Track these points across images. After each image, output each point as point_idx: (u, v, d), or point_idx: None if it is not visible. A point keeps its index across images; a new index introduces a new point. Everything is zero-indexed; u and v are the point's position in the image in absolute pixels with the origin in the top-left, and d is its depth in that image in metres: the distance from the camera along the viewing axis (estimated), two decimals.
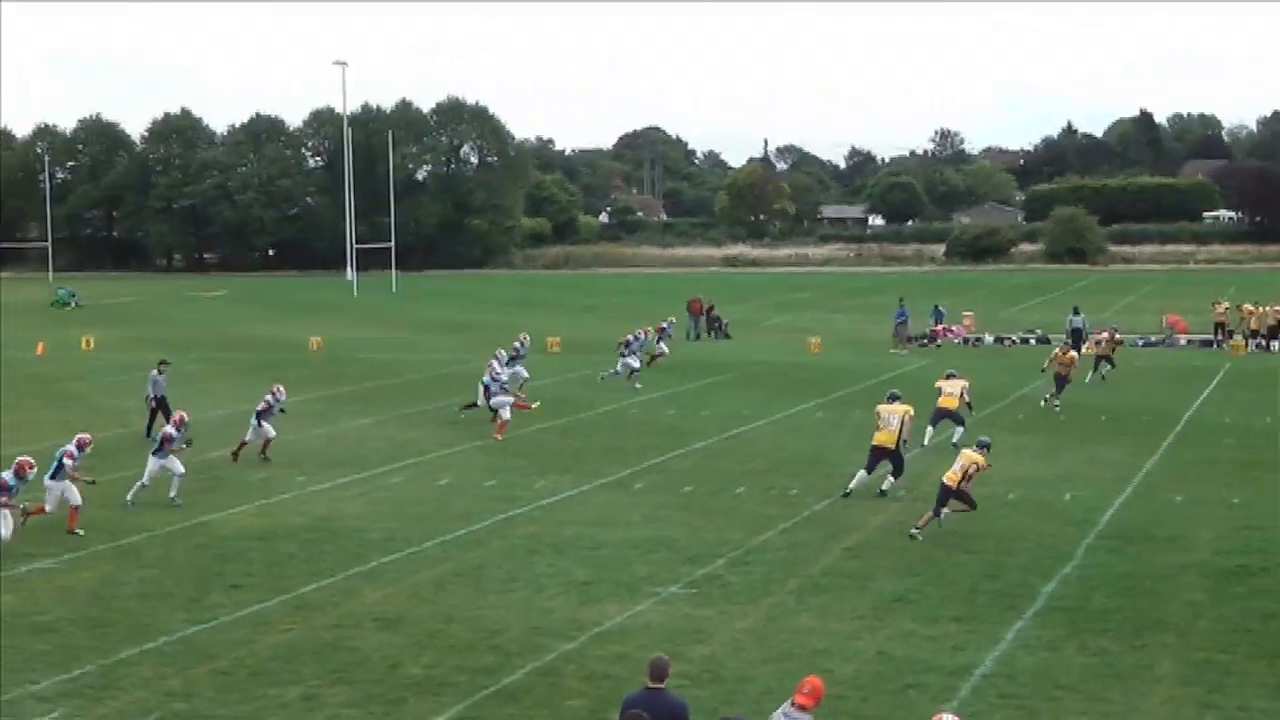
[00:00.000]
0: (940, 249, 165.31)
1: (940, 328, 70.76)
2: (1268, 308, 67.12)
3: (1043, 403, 45.77)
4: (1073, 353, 47.78)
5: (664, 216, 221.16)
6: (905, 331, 68.72)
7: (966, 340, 70.19)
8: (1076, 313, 64.86)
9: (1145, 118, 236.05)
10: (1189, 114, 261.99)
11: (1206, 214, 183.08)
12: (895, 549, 26.97)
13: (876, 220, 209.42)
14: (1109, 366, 52.28)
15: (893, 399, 33.03)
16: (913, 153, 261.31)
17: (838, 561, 26.08)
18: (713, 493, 32.62)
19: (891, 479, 31.78)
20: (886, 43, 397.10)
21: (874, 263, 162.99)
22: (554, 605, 23.35)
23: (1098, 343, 54.60)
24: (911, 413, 32.66)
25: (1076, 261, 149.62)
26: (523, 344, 50.68)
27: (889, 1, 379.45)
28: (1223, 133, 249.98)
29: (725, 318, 76.31)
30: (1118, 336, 56.73)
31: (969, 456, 27.99)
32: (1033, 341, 69.49)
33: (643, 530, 28.80)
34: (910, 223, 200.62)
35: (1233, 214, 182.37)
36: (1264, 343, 64.87)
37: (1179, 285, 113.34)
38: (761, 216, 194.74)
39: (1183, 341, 67.95)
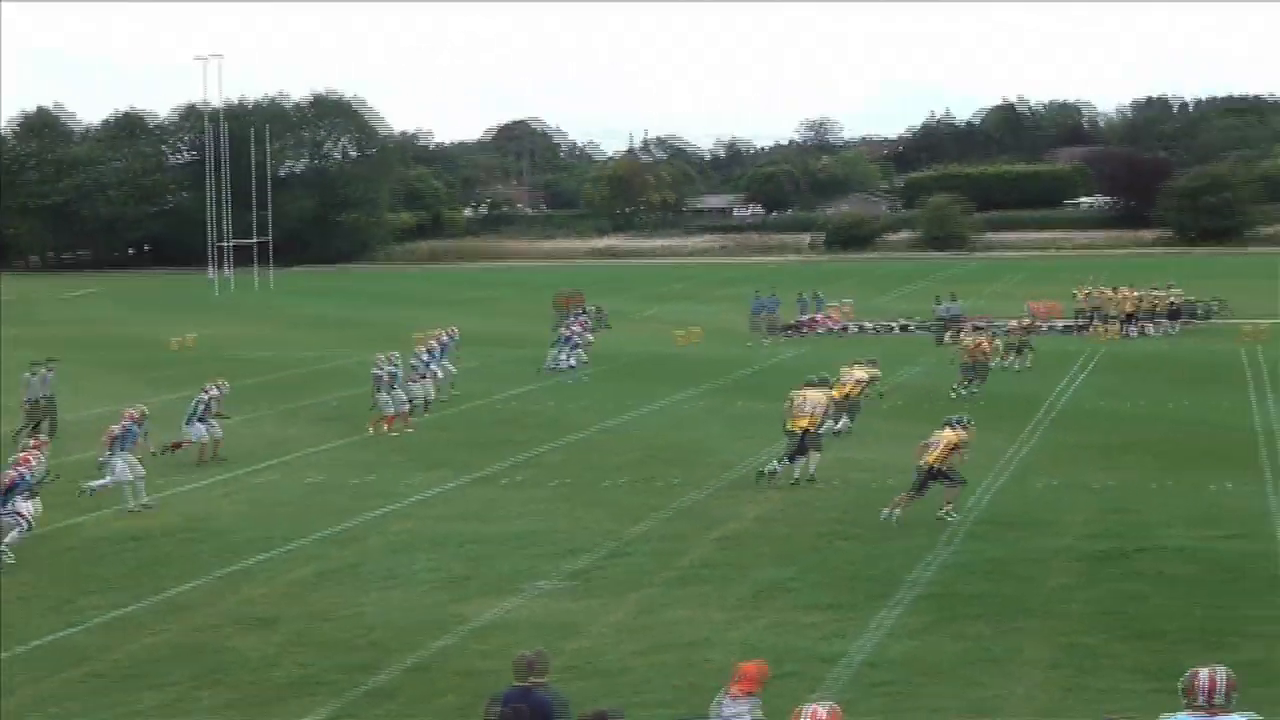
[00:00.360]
0: (811, 238, 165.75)
1: (809, 317, 70.89)
2: (1127, 292, 67.86)
3: (953, 394, 45.24)
4: (986, 342, 47.77)
5: (538, 208, 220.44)
6: (775, 321, 68.48)
7: (833, 329, 70.22)
8: (954, 299, 65.50)
9: (1016, 105, 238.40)
10: (1059, 101, 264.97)
11: (1077, 200, 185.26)
12: (772, 537, 27.10)
13: (749, 210, 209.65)
14: (1015, 354, 52.36)
15: (813, 384, 33.09)
16: (790, 142, 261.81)
17: (714, 551, 26.17)
18: (589, 484, 32.63)
19: (776, 464, 31.80)
20: (762, 33, 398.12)
21: (746, 253, 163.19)
22: (429, 601, 23.27)
23: (1005, 331, 55.32)
24: (830, 397, 32.88)
25: (948, 249, 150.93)
26: (451, 336, 49.57)
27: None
28: (1094, 119, 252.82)
29: (604, 308, 76.07)
30: (1031, 324, 57.70)
31: (947, 436, 28.01)
32: (897, 329, 69.79)
33: (519, 524, 28.75)
34: (780, 213, 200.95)
35: (1103, 199, 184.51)
36: (1125, 328, 65.40)
37: (1050, 271, 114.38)
38: (635, 207, 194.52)
39: (1044, 328, 68.53)
